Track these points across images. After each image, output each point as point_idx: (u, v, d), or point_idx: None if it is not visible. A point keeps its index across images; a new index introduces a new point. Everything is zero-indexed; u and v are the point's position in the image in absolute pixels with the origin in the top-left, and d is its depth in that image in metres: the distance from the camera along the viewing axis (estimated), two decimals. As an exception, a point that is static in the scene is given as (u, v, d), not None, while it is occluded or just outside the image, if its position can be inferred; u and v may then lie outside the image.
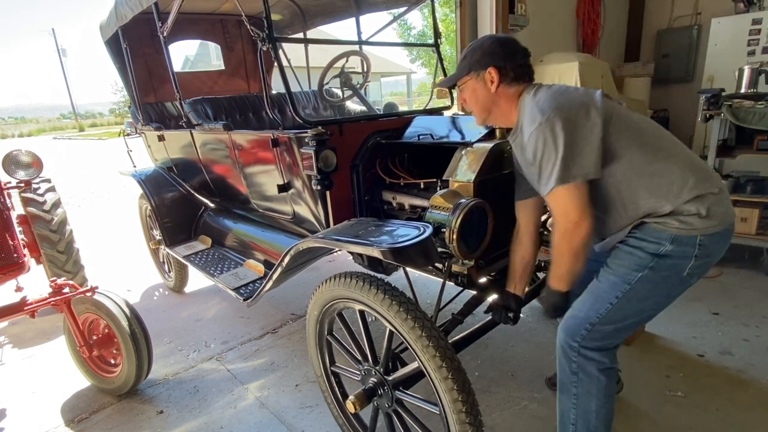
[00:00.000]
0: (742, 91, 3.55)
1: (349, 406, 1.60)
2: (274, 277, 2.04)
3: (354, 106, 3.59)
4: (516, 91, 1.51)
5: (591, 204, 1.35)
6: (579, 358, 1.50)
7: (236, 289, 2.45)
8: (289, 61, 3.09)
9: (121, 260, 4.67)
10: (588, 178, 1.32)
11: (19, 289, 2.80)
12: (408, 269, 1.97)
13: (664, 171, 1.36)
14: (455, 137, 2.09)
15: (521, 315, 2.02)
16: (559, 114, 1.31)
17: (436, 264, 1.94)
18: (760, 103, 3.10)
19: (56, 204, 3.24)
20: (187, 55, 26.50)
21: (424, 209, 2.01)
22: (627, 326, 1.47)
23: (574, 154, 1.30)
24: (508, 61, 1.51)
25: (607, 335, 1.47)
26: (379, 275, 1.62)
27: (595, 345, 1.48)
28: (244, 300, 2.31)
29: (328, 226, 2.17)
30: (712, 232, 1.34)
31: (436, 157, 2.18)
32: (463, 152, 1.83)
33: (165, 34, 2.59)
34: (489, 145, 1.77)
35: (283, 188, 2.27)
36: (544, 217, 2.38)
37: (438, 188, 1.91)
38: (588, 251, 1.41)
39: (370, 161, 2.22)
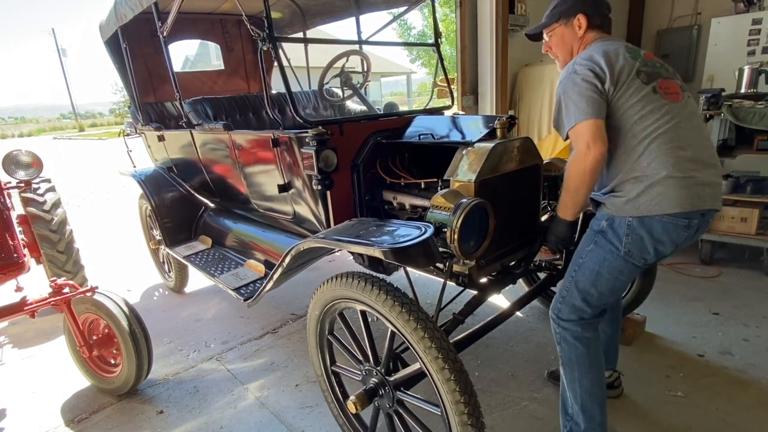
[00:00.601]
0: (742, 91, 3.55)
1: (350, 407, 1.60)
2: (275, 277, 2.04)
3: (354, 105, 3.59)
4: (594, 37, 1.67)
5: (605, 139, 1.49)
6: (559, 329, 1.72)
7: (237, 290, 2.44)
8: (289, 61, 3.09)
9: (121, 260, 4.67)
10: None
11: (19, 289, 2.80)
12: (409, 269, 1.97)
13: (630, 151, 1.52)
14: (456, 137, 2.09)
15: (521, 315, 2.02)
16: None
17: (437, 264, 1.94)
18: (760, 103, 3.11)
19: (56, 204, 3.23)
20: (187, 55, 26.49)
21: (425, 209, 2.01)
22: (591, 299, 1.65)
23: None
24: (595, 10, 1.67)
25: (577, 307, 1.67)
26: (380, 275, 1.62)
27: (568, 316, 1.69)
28: (245, 300, 2.31)
29: (328, 226, 2.17)
30: (643, 215, 1.49)
31: (436, 156, 2.18)
32: (464, 152, 1.83)
33: (165, 34, 2.58)
34: (490, 144, 1.76)
35: (284, 188, 2.27)
36: (544, 218, 2.38)
37: (439, 188, 1.91)
38: (594, 181, 1.54)
39: (371, 161, 2.22)
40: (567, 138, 1.59)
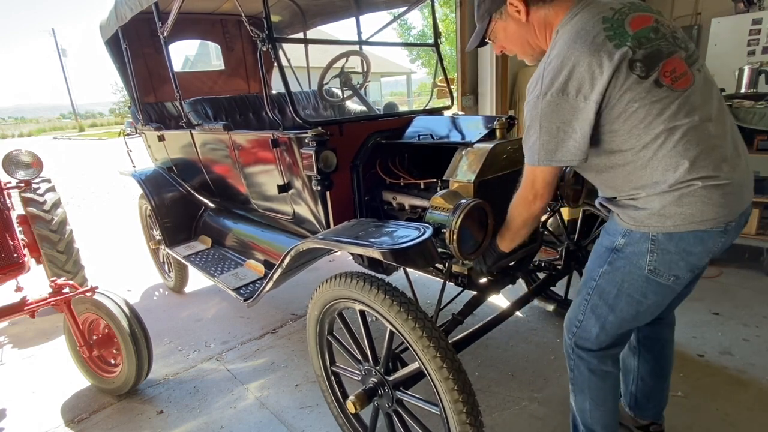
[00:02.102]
0: (742, 91, 3.54)
1: (350, 406, 1.60)
2: (275, 277, 2.04)
3: (354, 106, 3.59)
4: (553, 12, 1.29)
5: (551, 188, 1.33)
6: (573, 355, 1.55)
7: (236, 290, 2.45)
8: (289, 61, 3.09)
9: (121, 260, 4.67)
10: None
11: (19, 289, 2.80)
12: (408, 269, 1.97)
13: (643, 161, 1.24)
14: (455, 137, 2.09)
15: (521, 315, 2.02)
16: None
17: (437, 264, 1.94)
18: (760, 103, 3.10)
19: (56, 204, 3.24)
20: (187, 55, 26.51)
21: (425, 209, 2.02)
22: (611, 327, 1.41)
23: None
24: None
25: (594, 336, 1.45)
26: (379, 275, 1.62)
27: (585, 345, 1.49)
28: (245, 300, 2.31)
29: (328, 226, 2.17)
30: (671, 231, 1.23)
31: (436, 157, 2.18)
32: (463, 152, 1.83)
33: (165, 34, 2.59)
34: (489, 145, 1.76)
35: (283, 188, 2.27)
36: (544, 218, 2.38)
37: (438, 188, 1.92)
38: (535, 225, 1.49)
39: (370, 161, 2.22)
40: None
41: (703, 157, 1.19)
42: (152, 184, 3.39)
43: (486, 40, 1.48)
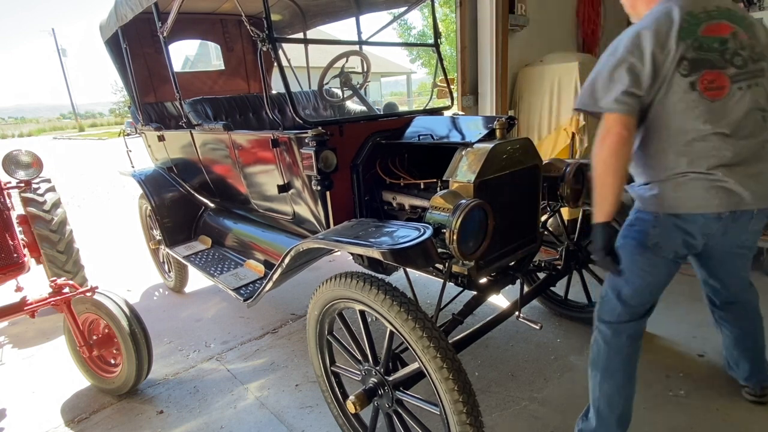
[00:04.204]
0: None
1: (350, 406, 1.60)
2: (275, 277, 2.04)
3: (354, 106, 3.59)
4: None
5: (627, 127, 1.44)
6: (595, 329, 1.72)
7: (236, 290, 2.45)
8: (289, 61, 3.09)
9: (121, 260, 4.67)
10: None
11: (19, 289, 2.80)
12: (408, 269, 1.97)
13: (660, 148, 1.48)
14: (455, 137, 2.09)
15: (521, 314, 2.02)
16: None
17: (437, 265, 1.94)
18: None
19: (56, 204, 3.24)
20: (187, 55, 26.52)
21: (425, 210, 2.02)
22: (625, 297, 1.62)
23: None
24: None
25: (612, 307, 1.65)
26: (379, 275, 1.62)
27: (604, 317, 1.67)
28: (245, 300, 2.31)
29: (328, 226, 2.17)
30: (667, 211, 1.49)
31: (436, 157, 2.18)
32: (463, 152, 1.83)
33: (165, 34, 2.59)
34: (489, 145, 1.76)
35: (283, 188, 2.27)
36: (544, 218, 2.39)
37: (438, 189, 1.92)
38: (617, 166, 1.45)
39: (370, 161, 2.22)
40: (587, 111, 1.56)
41: (703, 160, 1.42)
42: (152, 184, 3.39)
43: None
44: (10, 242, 2.47)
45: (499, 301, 2.97)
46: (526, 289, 2.21)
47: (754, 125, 1.43)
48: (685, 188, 1.45)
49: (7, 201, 2.62)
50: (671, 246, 1.54)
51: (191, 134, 2.92)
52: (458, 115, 2.92)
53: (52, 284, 2.26)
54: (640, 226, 1.56)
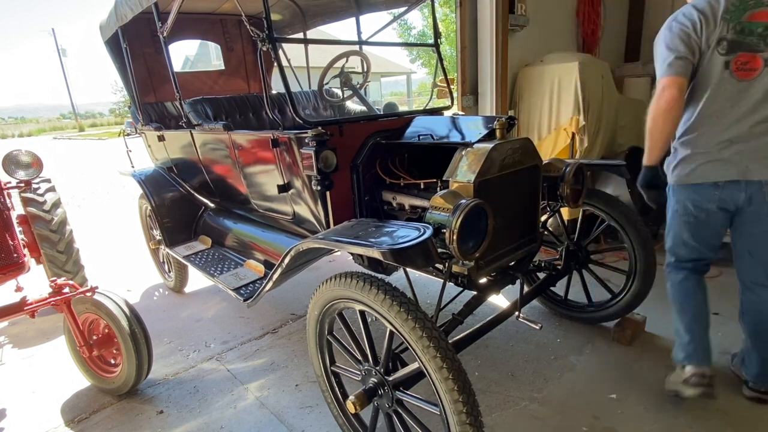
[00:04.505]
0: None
1: (350, 406, 1.60)
2: (275, 277, 2.04)
3: (354, 106, 3.59)
4: None
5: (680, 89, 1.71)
6: (667, 264, 2.09)
7: (236, 290, 2.45)
8: (289, 61, 3.09)
9: (121, 260, 4.67)
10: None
11: (19, 289, 2.80)
12: (408, 269, 1.97)
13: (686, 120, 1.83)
14: (455, 137, 2.09)
15: (521, 314, 2.02)
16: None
17: (437, 264, 1.94)
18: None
19: (56, 204, 3.24)
20: (187, 55, 26.51)
21: (425, 210, 2.02)
22: (673, 246, 2.03)
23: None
24: None
25: (669, 248, 2.05)
26: (379, 275, 1.62)
27: (669, 259, 2.08)
28: (244, 300, 2.31)
29: (328, 226, 2.17)
30: (683, 183, 1.86)
31: (436, 157, 2.18)
32: (463, 153, 1.83)
33: (165, 34, 2.59)
34: (489, 145, 1.76)
35: (283, 188, 2.27)
36: (544, 218, 2.39)
37: (438, 189, 1.92)
38: (667, 124, 1.75)
39: (370, 161, 2.22)
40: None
41: (712, 135, 1.75)
42: (152, 184, 3.39)
43: None
44: (10, 242, 2.47)
45: (499, 301, 2.97)
46: (526, 289, 2.21)
47: (759, 101, 1.68)
48: (685, 163, 1.83)
49: (7, 201, 2.62)
50: (687, 210, 1.89)
51: (191, 134, 2.92)
52: (458, 115, 2.92)
53: (52, 284, 2.26)
54: (669, 195, 1.96)
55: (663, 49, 1.75)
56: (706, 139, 1.77)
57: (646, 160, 1.88)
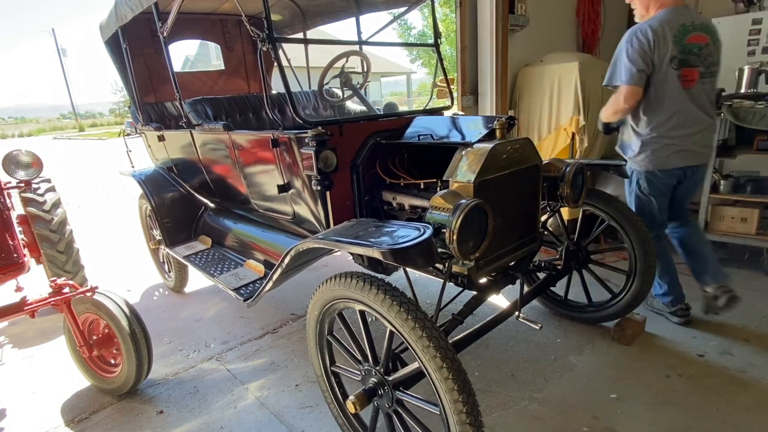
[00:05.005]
0: (742, 91, 3.54)
1: (350, 406, 1.60)
2: (275, 277, 2.04)
3: (354, 106, 3.59)
4: (666, 1, 2.28)
5: (636, 100, 2.30)
6: None
7: (236, 290, 2.45)
8: (289, 61, 3.10)
9: (121, 260, 4.67)
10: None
11: (19, 289, 2.80)
12: (408, 269, 1.97)
13: (643, 119, 2.40)
14: (455, 137, 2.09)
15: (521, 314, 2.02)
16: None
17: (437, 264, 1.94)
18: (760, 103, 3.10)
19: (56, 204, 3.23)
20: (187, 55, 26.51)
21: (425, 210, 2.02)
22: (653, 220, 2.49)
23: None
24: None
25: (650, 226, 2.42)
26: (379, 275, 1.62)
27: (651, 233, 2.39)
28: (244, 300, 2.31)
29: (328, 226, 2.17)
30: (660, 168, 2.38)
31: (436, 157, 2.18)
32: (463, 152, 1.83)
33: (165, 34, 2.59)
34: (489, 145, 1.76)
35: (283, 188, 2.27)
36: (544, 218, 2.39)
37: (438, 189, 1.92)
38: (616, 120, 2.48)
39: (370, 161, 2.22)
40: (610, 86, 2.38)
41: (676, 132, 2.31)
42: (152, 184, 3.39)
43: None
44: (10, 242, 2.47)
45: (499, 301, 2.97)
46: (526, 289, 2.21)
47: (703, 107, 2.32)
48: (654, 149, 2.35)
49: (7, 201, 2.62)
50: (648, 189, 2.46)
51: (191, 134, 2.92)
52: (458, 115, 2.92)
53: (52, 284, 2.26)
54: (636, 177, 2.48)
55: (626, 60, 2.23)
56: (672, 134, 2.30)
57: (606, 119, 2.50)
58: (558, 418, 2.02)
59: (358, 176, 2.21)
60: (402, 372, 1.55)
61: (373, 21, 4.59)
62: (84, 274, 3.38)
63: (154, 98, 3.66)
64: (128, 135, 3.90)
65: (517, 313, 2.03)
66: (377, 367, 1.60)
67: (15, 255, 2.48)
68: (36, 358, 2.89)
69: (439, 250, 1.57)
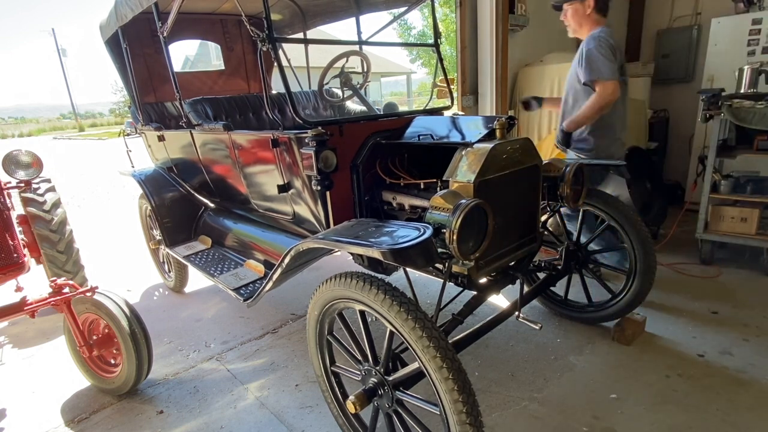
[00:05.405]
0: (742, 91, 3.54)
1: (350, 406, 1.60)
2: (274, 277, 2.04)
3: (354, 106, 3.59)
4: (597, 20, 2.66)
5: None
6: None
7: (236, 290, 2.45)
8: (289, 61, 3.10)
9: (121, 260, 4.67)
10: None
11: (19, 289, 2.80)
12: (408, 269, 1.97)
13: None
14: (455, 137, 2.09)
15: (521, 314, 2.02)
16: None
17: (437, 264, 1.94)
18: (760, 103, 3.10)
19: (56, 204, 3.23)
20: (187, 55, 26.50)
21: (425, 210, 2.02)
22: None
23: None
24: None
25: None
26: (379, 275, 1.62)
27: None
28: (244, 300, 2.31)
29: (328, 226, 2.17)
30: (600, 156, 2.75)
31: (436, 157, 2.18)
32: (463, 152, 1.83)
33: (165, 34, 2.59)
34: (489, 145, 1.76)
35: (283, 188, 2.27)
36: (544, 218, 2.38)
37: (438, 189, 1.92)
38: (596, 117, 2.67)
39: (370, 161, 2.22)
40: (590, 84, 2.61)
41: (618, 127, 2.78)
42: (152, 184, 3.39)
43: (565, 6, 2.74)
44: (10, 242, 2.47)
45: (499, 301, 2.97)
46: (526, 289, 2.21)
47: (626, 103, 2.80)
48: (601, 141, 2.76)
49: (7, 201, 2.62)
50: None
51: (191, 134, 2.92)
52: (458, 115, 2.93)
53: (52, 284, 2.26)
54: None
55: (603, 59, 2.51)
56: (618, 129, 2.76)
57: (569, 128, 2.74)
58: (558, 418, 2.02)
59: (358, 176, 2.21)
60: (402, 372, 1.55)
61: (373, 21, 4.60)
62: (84, 274, 3.38)
63: (154, 98, 3.66)
64: (128, 135, 3.89)
65: (517, 313, 2.03)
66: (377, 367, 1.60)
67: (15, 255, 2.48)
68: (36, 358, 2.89)
69: (439, 250, 1.57)
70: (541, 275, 2.62)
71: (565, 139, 2.80)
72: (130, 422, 2.22)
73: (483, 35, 3.95)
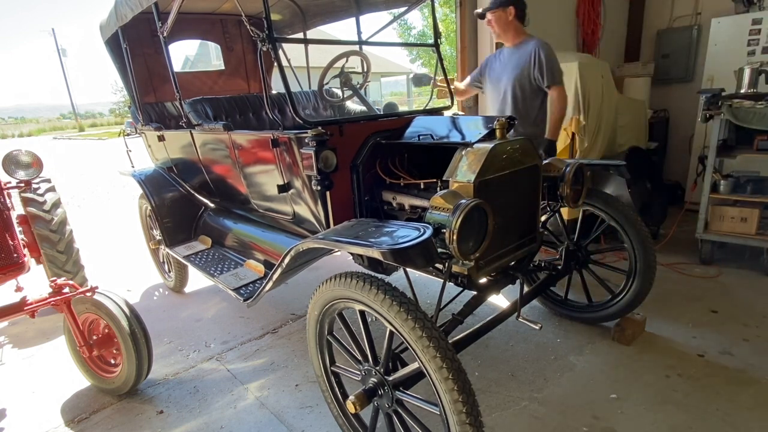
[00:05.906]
0: (742, 91, 3.54)
1: (349, 406, 1.60)
2: (274, 277, 2.04)
3: (354, 106, 3.59)
4: (519, 26, 2.95)
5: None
6: None
7: (236, 290, 2.45)
8: (289, 61, 3.09)
9: (121, 260, 4.67)
10: None
11: (19, 289, 2.80)
12: (408, 269, 1.97)
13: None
14: (455, 137, 2.09)
15: (521, 314, 2.02)
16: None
17: (437, 264, 1.94)
18: (760, 103, 3.10)
19: (56, 204, 3.23)
20: (187, 55, 26.49)
21: (425, 210, 2.02)
22: None
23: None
24: (521, 6, 2.89)
25: None
26: (379, 275, 1.62)
27: None
28: (244, 300, 2.31)
29: (328, 226, 2.17)
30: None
31: (436, 157, 2.18)
32: (463, 152, 1.83)
33: (165, 34, 2.58)
34: (489, 145, 1.76)
35: (283, 188, 2.27)
36: (544, 218, 2.38)
37: (438, 189, 1.91)
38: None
39: (370, 161, 2.22)
40: (546, 87, 2.84)
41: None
42: (152, 184, 3.39)
43: (488, 15, 2.93)
44: (10, 242, 2.47)
45: (499, 301, 2.97)
46: (526, 289, 2.21)
47: None
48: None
49: (7, 201, 2.62)
50: None
51: (191, 134, 2.92)
52: (458, 115, 2.93)
53: (52, 284, 2.26)
54: None
55: (559, 67, 2.83)
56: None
57: (555, 136, 2.90)
58: (558, 418, 2.02)
59: (358, 176, 2.21)
60: (402, 372, 1.55)
61: (373, 21, 4.59)
62: (84, 274, 3.38)
63: (154, 98, 3.66)
64: (128, 135, 3.89)
65: (517, 313, 2.03)
66: (377, 367, 1.60)
67: (15, 255, 2.48)
68: (36, 358, 2.89)
69: (439, 250, 1.57)
70: (541, 275, 2.62)
71: (552, 147, 2.87)
72: (130, 422, 2.22)
73: (483, 35, 3.95)
